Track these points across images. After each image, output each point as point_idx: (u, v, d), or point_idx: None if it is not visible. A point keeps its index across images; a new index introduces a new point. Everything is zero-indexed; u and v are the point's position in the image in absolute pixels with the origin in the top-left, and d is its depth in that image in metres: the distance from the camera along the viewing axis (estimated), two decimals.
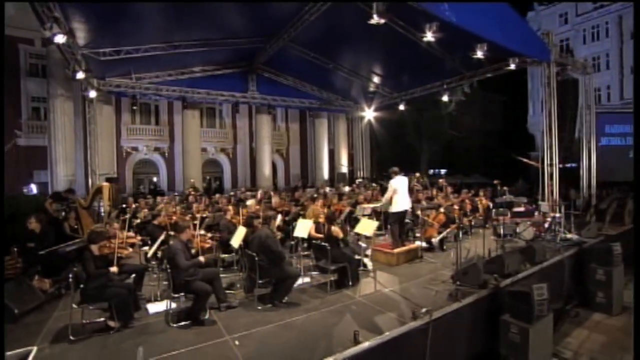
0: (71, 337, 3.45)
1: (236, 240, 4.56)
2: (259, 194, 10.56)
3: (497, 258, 5.15)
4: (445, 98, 11.41)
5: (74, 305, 3.55)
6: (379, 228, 7.16)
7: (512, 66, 8.74)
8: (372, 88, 13.19)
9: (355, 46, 10.12)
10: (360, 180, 14.03)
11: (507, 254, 5.27)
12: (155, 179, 16.95)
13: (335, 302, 4.35)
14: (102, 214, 7.64)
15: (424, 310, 3.92)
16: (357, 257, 5.60)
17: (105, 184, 7.34)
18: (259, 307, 4.11)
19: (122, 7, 6.75)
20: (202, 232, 5.05)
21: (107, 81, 9.95)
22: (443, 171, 38.69)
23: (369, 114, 14.27)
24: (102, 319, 3.73)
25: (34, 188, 13.63)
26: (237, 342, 3.31)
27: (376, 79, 12.66)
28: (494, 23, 7.08)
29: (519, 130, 31.63)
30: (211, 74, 11.63)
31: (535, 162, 9.46)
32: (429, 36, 6.55)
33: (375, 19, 5.52)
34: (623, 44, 25.23)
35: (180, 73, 11.04)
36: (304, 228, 5.04)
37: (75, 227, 6.38)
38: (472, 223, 8.33)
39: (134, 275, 4.34)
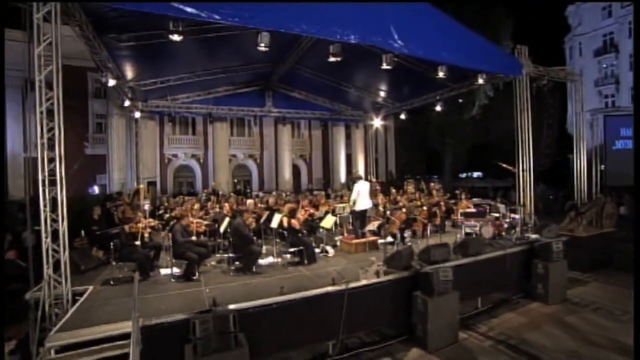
0: (111, 283, 5.63)
1: (222, 227, 6.52)
2: (275, 195, 12.57)
3: (426, 249, 6.52)
4: (438, 108, 12.52)
5: (113, 263, 5.73)
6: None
7: (480, 81, 9.80)
8: (378, 100, 14.65)
9: (355, 68, 11.57)
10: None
11: (434, 246, 6.60)
12: (199, 182, 19.72)
13: (287, 273, 6.12)
14: (146, 209, 10.01)
15: (344, 280, 5.54)
16: (322, 244, 7.36)
17: (142, 186, 9.80)
18: (232, 274, 6.02)
19: (159, 51, 9.05)
20: (200, 220, 7.13)
21: (149, 103, 12.60)
22: (476, 174, 38.37)
23: (377, 122, 15.72)
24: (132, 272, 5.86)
25: (96, 189, 16.96)
26: (207, 290, 5.23)
27: (381, 93, 14.09)
28: (457, 49, 8.29)
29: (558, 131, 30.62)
30: (233, 93, 13.92)
31: (512, 168, 10.30)
32: (385, 66, 8.02)
33: (332, 59, 7.20)
34: None
35: (207, 93, 13.44)
36: (275, 220, 6.90)
37: (120, 217, 8.80)
38: (445, 222, 9.58)
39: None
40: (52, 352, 3.79)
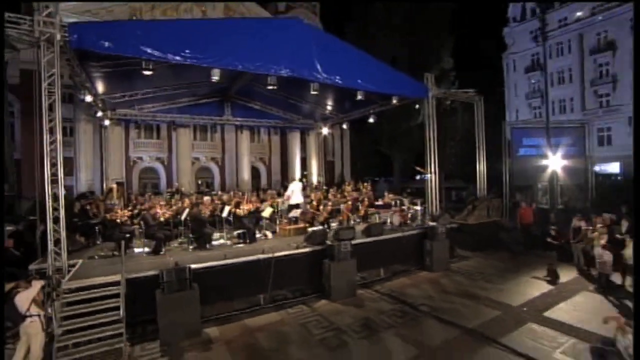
0: (96, 257, 7.64)
1: (183, 216, 8.68)
2: (232, 194, 14.71)
3: (337, 231, 8.95)
4: (371, 120, 15.21)
5: (98, 242, 7.75)
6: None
7: (394, 101, 12.52)
8: (325, 112, 17.19)
9: (301, 88, 13.78)
10: (316, 184, 18.01)
11: (342, 228, 9.05)
12: (164, 183, 21.30)
13: (231, 250, 8.38)
14: (115, 204, 11.73)
15: (271, 251, 7.88)
16: (263, 230, 9.68)
17: (114, 185, 11.65)
18: (190, 250, 8.21)
19: (130, 73, 10.84)
20: (165, 210, 9.25)
21: (117, 112, 14.33)
22: (427, 176, 42.08)
23: (325, 130, 18.30)
24: (111, 252, 7.89)
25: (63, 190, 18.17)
26: (171, 259, 7.38)
27: (327, 106, 16.59)
28: (370, 78, 10.89)
29: (498, 137, 34.85)
30: (195, 103, 15.88)
31: (424, 170, 13.12)
32: (312, 92, 10.49)
33: (269, 87, 9.59)
34: (584, 60, 28.20)
35: (171, 103, 15.31)
36: (225, 211, 9.14)
37: (95, 212, 10.62)
38: (368, 213, 12.20)
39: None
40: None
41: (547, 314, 7.12)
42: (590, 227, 9.70)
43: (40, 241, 9.24)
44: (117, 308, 5.84)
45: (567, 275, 9.44)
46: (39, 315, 5.35)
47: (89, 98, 10.26)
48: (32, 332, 5.28)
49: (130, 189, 19.05)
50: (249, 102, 17.03)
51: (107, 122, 13.88)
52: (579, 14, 28.03)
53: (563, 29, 29.17)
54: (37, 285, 5.32)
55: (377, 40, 25.07)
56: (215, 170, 22.73)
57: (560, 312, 7.19)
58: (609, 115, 26.66)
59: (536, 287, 8.70)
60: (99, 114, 12.36)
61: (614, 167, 26.54)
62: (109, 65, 9.61)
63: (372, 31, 25.81)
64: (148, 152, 20.09)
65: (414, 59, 25.75)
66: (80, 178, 17.34)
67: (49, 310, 5.85)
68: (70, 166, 18.26)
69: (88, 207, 11.05)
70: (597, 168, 26.18)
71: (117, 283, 6.08)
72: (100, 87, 11.41)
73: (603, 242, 8.54)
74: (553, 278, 9.16)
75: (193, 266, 6.75)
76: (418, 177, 42.15)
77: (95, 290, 6.00)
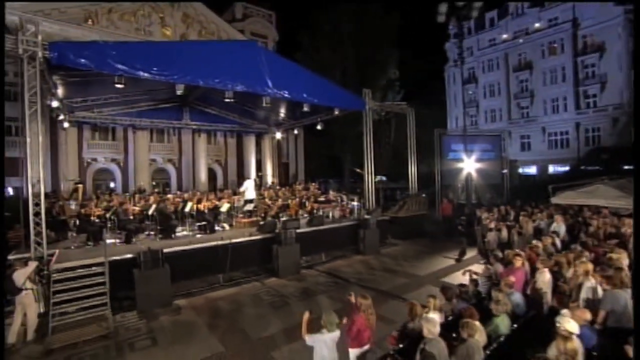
0: (72, 247, 8.89)
1: (151, 210, 10.13)
2: (191, 193, 16.05)
3: (285, 222, 10.87)
4: (319, 127, 17.31)
5: (74, 234, 9.01)
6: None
7: (336, 112, 14.74)
8: (279, 118, 19.05)
9: (255, 98, 15.53)
10: (270, 184, 19.83)
11: (289, 220, 11.02)
12: (112, 185, 21.86)
13: (193, 238, 9.98)
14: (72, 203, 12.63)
15: (228, 238, 9.61)
16: (221, 223, 11.35)
17: (80, 186, 12.64)
18: (158, 240, 9.70)
19: (95, 80, 11.94)
20: (134, 207, 10.62)
21: (75, 114, 15.11)
22: (379, 177, 45.42)
23: (278, 135, 20.20)
24: (84, 242, 9.15)
25: (10, 191, 18.28)
26: (142, 246, 8.86)
27: (280, 114, 18.45)
28: (314, 92, 12.94)
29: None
30: (154, 107, 16.98)
31: (361, 172, 15.48)
32: (264, 103, 12.37)
33: (227, 99, 11.32)
34: (509, 76, 32.69)
35: (131, 107, 16.29)
36: (188, 206, 10.71)
37: (58, 211, 11.59)
38: (314, 208, 14.24)
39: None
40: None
41: (443, 279, 9.59)
42: (486, 216, 12.51)
43: None
44: (102, 283, 7.30)
45: (470, 253, 12.15)
46: (32, 289, 6.71)
47: (55, 103, 11.26)
48: (27, 302, 6.64)
49: (85, 191, 19.59)
50: (206, 108, 18.40)
51: (66, 125, 14.65)
52: (504, 36, 32.58)
53: (494, 47, 33.57)
54: (32, 265, 6.69)
55: (328, 52, 27.47)
56: (172, 172, 23.68)
57: (453, 277, 9.66)
58: (528, 124, 31.28)
59: (443, 263, 11.28)
60: (61, 116, 13.22)
61: (533, 170, 31.15)
62: (76, 75, 10.76)
63: (324, 44, 28.15)
64: (103, 154, 20.65)
65: (363, 70, 28.55)
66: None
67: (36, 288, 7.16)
68: (16, 167, 18.41)
69: (51, 206, 12.03)
70: (520, 170, 30.75)
71: (101, 264, 7.52)
72: (62, 92, 12.36)
73: (492, 226, 11.31)
74: (460, 256, 11.81)
75: (164, 250, 8.33)
76: (381, 178, 45.64)
77: (83, 270, 7.40)
